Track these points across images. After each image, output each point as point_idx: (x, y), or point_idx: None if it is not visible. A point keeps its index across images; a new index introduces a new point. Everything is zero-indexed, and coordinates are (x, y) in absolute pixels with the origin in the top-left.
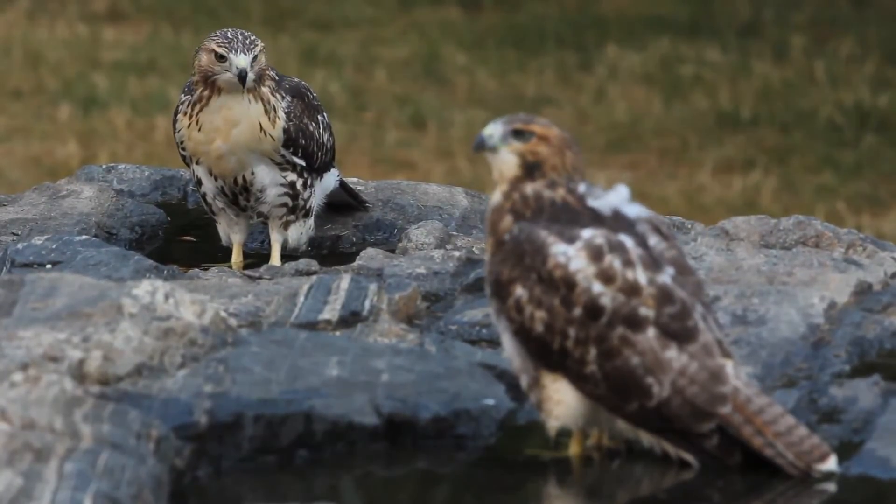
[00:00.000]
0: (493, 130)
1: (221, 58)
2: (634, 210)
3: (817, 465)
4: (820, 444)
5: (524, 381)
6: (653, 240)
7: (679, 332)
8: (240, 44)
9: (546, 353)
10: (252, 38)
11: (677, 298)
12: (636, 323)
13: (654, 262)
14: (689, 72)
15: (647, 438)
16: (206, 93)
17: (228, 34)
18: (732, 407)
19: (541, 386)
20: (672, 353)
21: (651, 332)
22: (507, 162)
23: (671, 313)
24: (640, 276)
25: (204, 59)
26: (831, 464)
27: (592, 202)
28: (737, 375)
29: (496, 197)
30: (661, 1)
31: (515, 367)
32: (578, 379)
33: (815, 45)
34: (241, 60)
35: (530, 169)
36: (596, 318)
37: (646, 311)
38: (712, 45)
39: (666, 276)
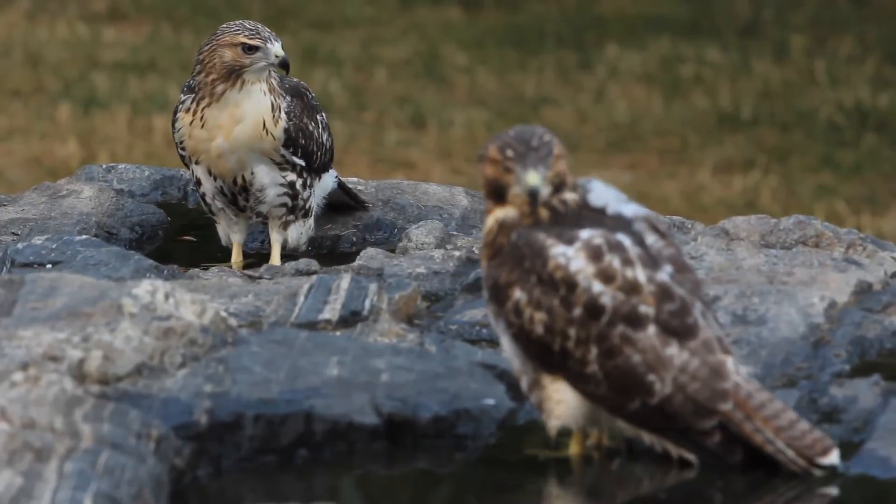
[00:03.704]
0: (539, 176)
1: (251, 49)
2: (631, 209)
3: (820, 459)
4: (822, 438)
5: (524, 383)
6: (650, 238)
7: (679, 328)
8: (268, 33)
9: (546, 354)
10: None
11: (677, 296)
12: (637, 321)
13: (652, 261)
14: (690, 71)
15: (648, 437)
16: (220, 87)
17: (248, 25)
18: (734, 403)
19: (541, 386)
20: (673, 350)
21: (651, 329)
22: (545, 193)
23: (671, 310)
24: (640, 274)
25: (228, 54)
26: (834, 457)
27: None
28: (737, 371)
29: (509, 213)
30: (661, 0)
31: (515, 368)
32: (580, 379)
33: (815, 45)
34: (278, 49)
35: (556, 189)
36: (596, 317)
37: (646, 309)
38: (712, 44)
39: (664, 274)
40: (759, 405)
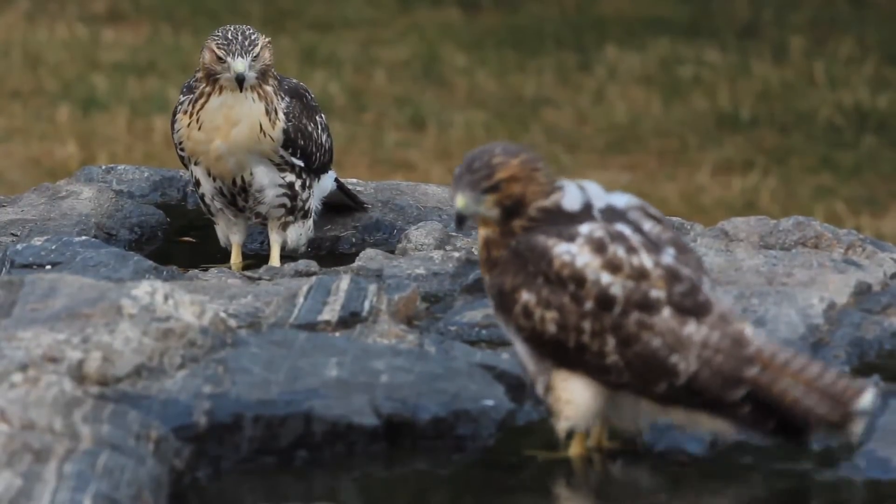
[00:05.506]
0: (465, 200)
1: (221, 59)
2: (623, 200)
3: (854, 404)
4: (852, 383)
5: (540, 387)
6: (647, 225)
7: (693, 307)
8: (238, 46)
9: (562, 352)
10: (253, 36)
11: (684, 276)
12: (650, 306)
13: (654, 245)
14: (689, 73)
15: (677, 416)
16: (208, 89)
17: (229, 34)
18: (760, 366)
19: (552, 387)
20: (691, 329)
21: (666, 311)
22: (490, 215)
23: (682, 291)
24: (646, 260)
25: (207, 57)
26: (867, 399)
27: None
28: (756, 336)
29: (490, 232)
30: (660, 2)
31: (530, 372)
32: (600, 371)
33: (814, 46)
34: (238, 65)
35: (513, 209)
36: (609, 308)
37: (657, 293)
38: (712, 45)
39: (669, 257)
40: (784, 362)
